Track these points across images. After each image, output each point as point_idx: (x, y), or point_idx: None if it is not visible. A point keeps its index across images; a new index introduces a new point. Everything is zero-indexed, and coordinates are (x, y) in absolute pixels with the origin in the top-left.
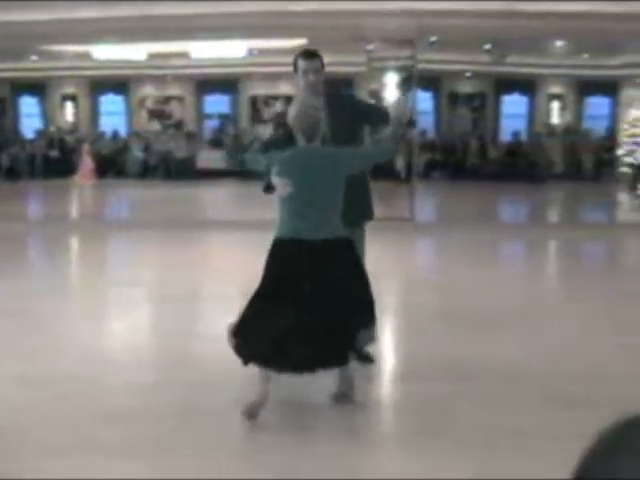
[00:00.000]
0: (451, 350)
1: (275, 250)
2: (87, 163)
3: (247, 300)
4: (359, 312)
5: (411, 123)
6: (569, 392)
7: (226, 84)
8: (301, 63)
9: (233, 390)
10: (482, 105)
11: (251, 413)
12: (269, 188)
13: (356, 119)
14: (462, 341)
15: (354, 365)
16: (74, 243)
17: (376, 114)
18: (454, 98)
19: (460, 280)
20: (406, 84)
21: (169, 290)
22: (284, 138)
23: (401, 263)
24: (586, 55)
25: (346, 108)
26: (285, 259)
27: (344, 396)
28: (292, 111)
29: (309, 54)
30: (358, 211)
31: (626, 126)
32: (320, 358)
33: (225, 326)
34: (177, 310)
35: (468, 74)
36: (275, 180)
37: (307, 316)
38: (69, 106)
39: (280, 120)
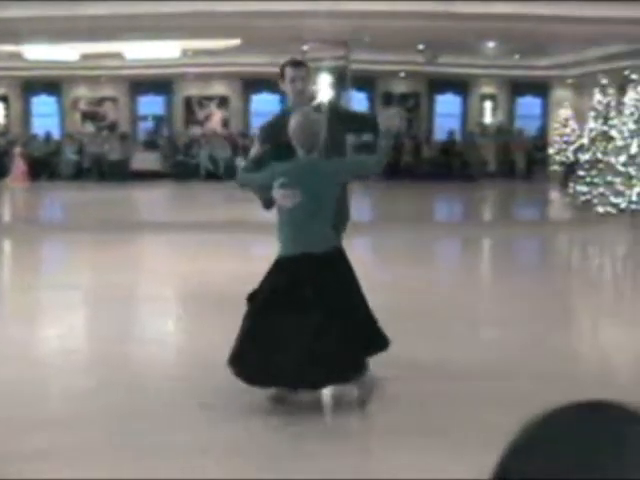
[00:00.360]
0: (405, 348)
1: (280, 267)
2: (19, 166)
3: (246, 320)
4: (369, 325)
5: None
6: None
7: (160, 85)
8: (289, 71)
9: (170, 392)
10: (416, 105)
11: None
12: (270, 203)
13: (341, 128)
14: (410, 339)
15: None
16: (6, 246)
17: (366, 124)
18: (388, 98)
19: (396, 279)
20: (340, 84)
21: (104, 293)
22: (271, 152)
23: None
24: (517, 56)
25: (332, 117)
26: (291, 275)
27: (363, 402)
28: (293, 123)
29: (296, 63)
30: (340, 216)
31: (557, 125)
32: (335, 374)
33: (159, 328)
34: (112, 313)
35: (402, 74)
36: (278, 193)
37: (319, 332)
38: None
39: (265, 134)
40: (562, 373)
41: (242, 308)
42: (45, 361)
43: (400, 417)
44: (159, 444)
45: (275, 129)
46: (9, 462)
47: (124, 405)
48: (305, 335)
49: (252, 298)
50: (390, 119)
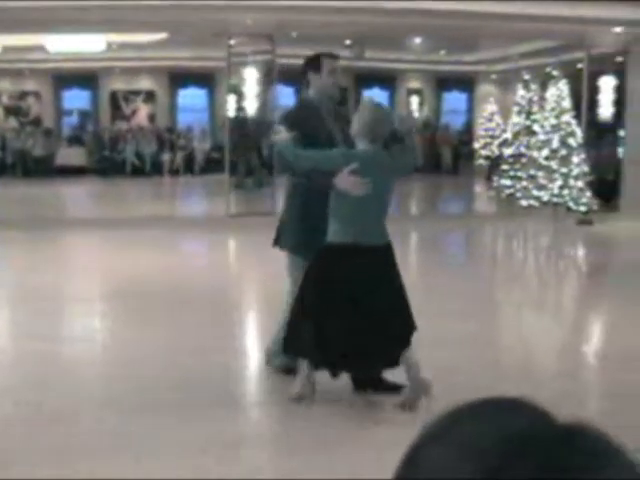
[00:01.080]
0: None
1: (333, 255)
2: None
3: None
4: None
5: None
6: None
7: (85, 79)
8: (328, 62)
9: (99, 391)
10: (343, 99)
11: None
12: (328, 186)
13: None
14: None
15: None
16: None
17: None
18: None
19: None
20: (266, 79)
21: (29, 291)
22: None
23: (264, 255)
24: (443, 52)
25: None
26: (346, 265)
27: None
28: (366, 114)
29: (334, 55)
30: None
31: (482, 120)
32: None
33: (86, 326)
34: (38, 311)
35: None
36: (348, 179)
37: (371, 322)
38: None
39: (292, 121)
40: (487, 364)
41: (171, 302)
42: None
43: None
44: (86, 443)
45: (301, 118)
46: None
47: (47, 404)
48: (358, 326)
49: (308, 283)
50: (407, 121)
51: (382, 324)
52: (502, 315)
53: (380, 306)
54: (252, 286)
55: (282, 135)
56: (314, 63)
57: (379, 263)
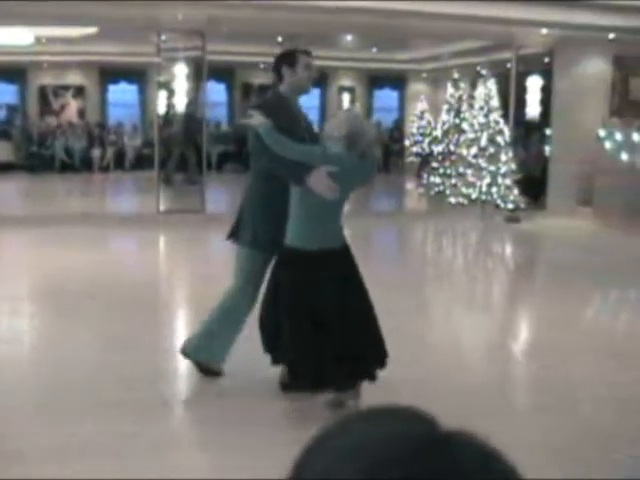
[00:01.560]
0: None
1: (299, 262)
2: None
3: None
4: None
5: None
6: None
7: (13, 73)
8: (304, 58)
9: (25, 392)
10: None
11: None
12: (302, 180)
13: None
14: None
15: None
16: None
17: None
18: (247, 89)
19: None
20: (197, 75)
21: None
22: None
23: (194, 253)
24: (375, 49)
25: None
26: (314, 272)
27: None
28: (351, 120)
29: (309, 52)
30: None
31: (413, 118)
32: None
33: (12, 327)
34: None
35: (262, 66)
36: (324, 181)
37: (346, 333)
38: None
39: (267, 112)
40: (415, 361)
41: (100, 301)
42: None
43: None
44: (20, 447)
45: (276, 108)
46: None
47: None
48: (331, 337)
49: (272, 294)
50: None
51: (361, 330)
52: (429, 311)
53: (353, 313)
54: (182, 284)
55: (259, 118)
56: (289, 58)
57: (342, 265)
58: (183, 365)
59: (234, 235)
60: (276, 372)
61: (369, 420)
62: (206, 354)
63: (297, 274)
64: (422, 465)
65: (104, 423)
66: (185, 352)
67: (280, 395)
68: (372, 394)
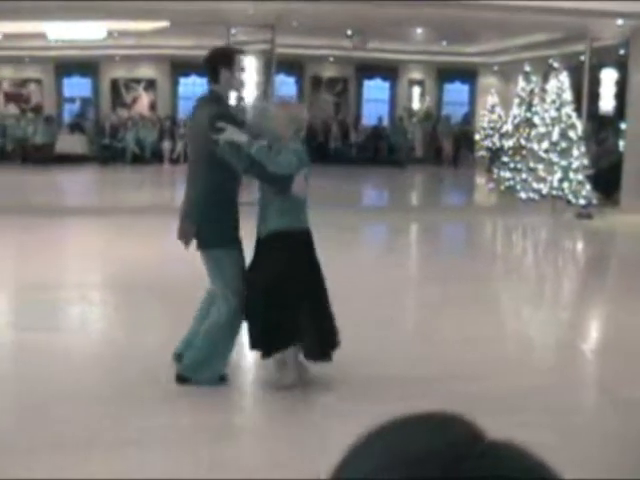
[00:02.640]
0: None
1: (300, 240)
2: None
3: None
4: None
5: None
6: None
7: (86, 67)
8: (239, 58)
9: (85, 382)
10: (344, 90)
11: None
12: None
13: None
14: None
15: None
16: None
17: None
18: (317, 82)
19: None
20: (266, 68)
21: (25, 279)
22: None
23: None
24: (445, 42)
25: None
26: (306, 248)
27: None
28: (302, 113)
29: (242, 51)
30: None
31: (483, 112)
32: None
33: (81, 316)
34: (33, 301)
35: (331, 59)
36: (303, 182)
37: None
38: None
39: (231, 117)
40: (482, 359)
41: (167, 291)
42: None
43: None
44: (65, 436)
45: (232, 114)
46: None
47: (37, 394)
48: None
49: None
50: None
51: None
52: (495, 307)
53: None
54: None
55: (237, 134)
56: (227, 59)
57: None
58: (251, 357)
59: (201, 242)
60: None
61: (416, 425)
62: (210, 372)
63: (296, 251)
64: (464, 474)
65: (173, 414)
66: (184, 377)
67: (340, 387)
68: (443, 386)
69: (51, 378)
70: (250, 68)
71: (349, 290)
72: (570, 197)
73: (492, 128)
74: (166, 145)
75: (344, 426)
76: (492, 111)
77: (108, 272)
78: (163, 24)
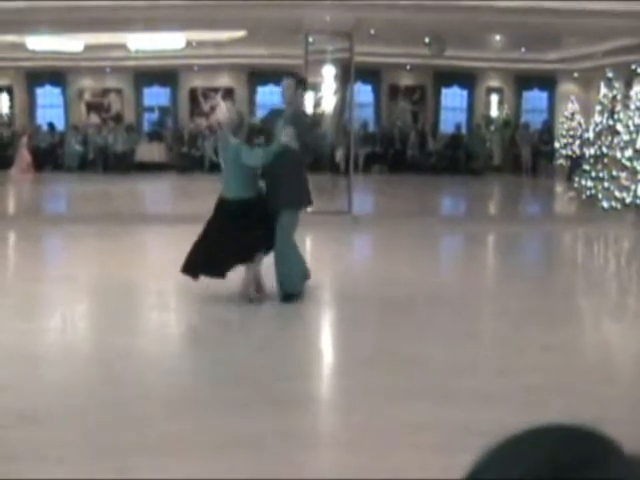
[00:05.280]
0: (394, 341)
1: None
2: (24, 157)
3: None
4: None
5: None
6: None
7: (165, 76)
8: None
9: (164, 386)
10: (422, 98)
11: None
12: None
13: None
14: (403, 332)
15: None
16: (10, 237)
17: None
18: (394, 90)
19: (394, 272)
20: (344, 77)
21: (105, 285)
22: None
23: (337, 256)
24: (523, 49)
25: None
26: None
27: (245, 296)
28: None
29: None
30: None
31: (563, 119)
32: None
33: (158, 320)
34: (113, 305)
35: (408, 67)
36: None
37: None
38: (4, 98)
39: None
40: (562, 369)
41: (236, 298)
42: (43, 354)
43: None
44: (162, 435)
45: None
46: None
47: (122, 398)
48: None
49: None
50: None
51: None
52: (576, 319)
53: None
54: (328, 281)
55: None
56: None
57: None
58: (328, 359)
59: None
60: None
61: (540, 440)
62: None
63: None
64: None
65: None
66: (288, 295)
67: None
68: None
69: (146, 381)
70: (327, 77)
71: (431, 300)
72: None
73: (572, 136)
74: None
75: None
76: (572, 119)
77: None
78: (240, 33)
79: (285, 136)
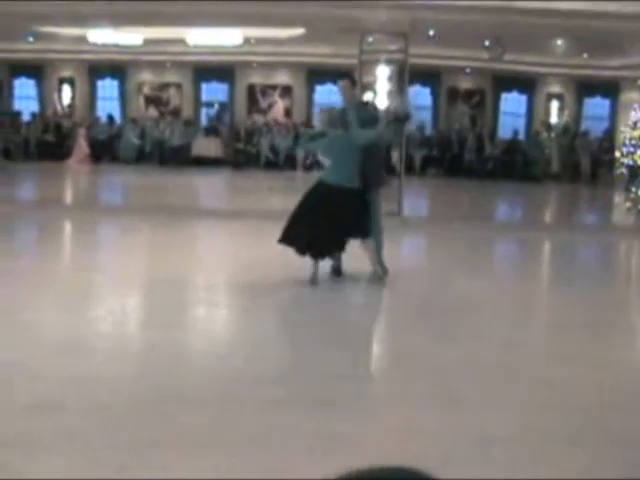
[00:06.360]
0: (437, 344)
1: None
2: (82, 148)
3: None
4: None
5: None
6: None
7: (224, 72)
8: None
9: (221, 379)
10: (481, 102)
11: (313, 281)
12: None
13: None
14: (447, 335)
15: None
16: (67, 227)
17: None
18: (453, 93)
19: (447, 277)
20: (399, 78)
21: (155, 278)
22: None
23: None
24: (586, 55)
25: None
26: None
27: (337, 270)
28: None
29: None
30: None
31: (625, 128)
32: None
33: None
34: (160, 298)
35: (467, 70)
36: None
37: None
38: (67, 90)
39: None
40: (594, 383)
41: (287, 295)
42: (88, 345)
43: None
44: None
45: None
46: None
47: (166, 390)
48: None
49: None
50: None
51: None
52: (625, 333)
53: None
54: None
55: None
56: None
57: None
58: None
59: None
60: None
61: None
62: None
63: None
64: None
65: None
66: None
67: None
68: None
69: (184, 374)
70: (382, 77)
71: (476, 303)
72: None
73: (634, 145)
74: (300, 152)
75: None
76: (634, 127)
77: (235, 273)
78: (299, 31)
79: (397, 109)
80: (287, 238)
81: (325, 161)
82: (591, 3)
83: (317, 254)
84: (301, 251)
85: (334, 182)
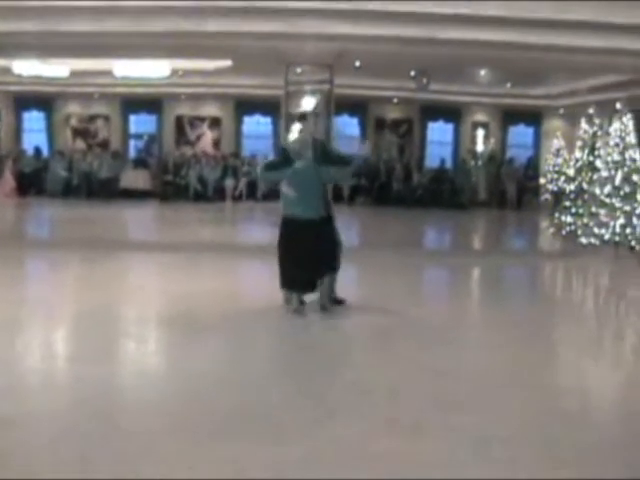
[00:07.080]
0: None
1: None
2: (8, 180)
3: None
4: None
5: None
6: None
7: (151, 104)
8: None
9: (133, 415)
10: (408, 131)
11: (296, 310)
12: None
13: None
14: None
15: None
16: None
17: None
18: (380, 123)
19: (379, 304)
20: (325, 108)
21: (83, 311)
22: None
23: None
24: (509, 84)
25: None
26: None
27: (324, 307)
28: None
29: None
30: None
31: (548, 155)
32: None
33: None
34: (87, 332)
35: (395, 100)
36: None
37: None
38: None
39: None
40: (543, 409)
41: (223, 326)
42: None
43: None
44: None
45: None
46: None
47: (86, 427)
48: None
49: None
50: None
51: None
52: (553, 356)
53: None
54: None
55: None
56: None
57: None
58: None
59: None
60: None
61: None
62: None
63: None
64: None
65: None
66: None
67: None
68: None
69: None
70: (309, 108)
71: (409, 329)
72: (633, 243)
73: (557, 172)
74: (229, 183)
75: None
76: (557, 155)
77: (169, 306)
78: (226, 63)
79: (365, 149)
80: (287, 283)
81: (289, 191)
82: (513, 34)
83: (308, 287)
84: (303, 290)
85: (303, 216)
